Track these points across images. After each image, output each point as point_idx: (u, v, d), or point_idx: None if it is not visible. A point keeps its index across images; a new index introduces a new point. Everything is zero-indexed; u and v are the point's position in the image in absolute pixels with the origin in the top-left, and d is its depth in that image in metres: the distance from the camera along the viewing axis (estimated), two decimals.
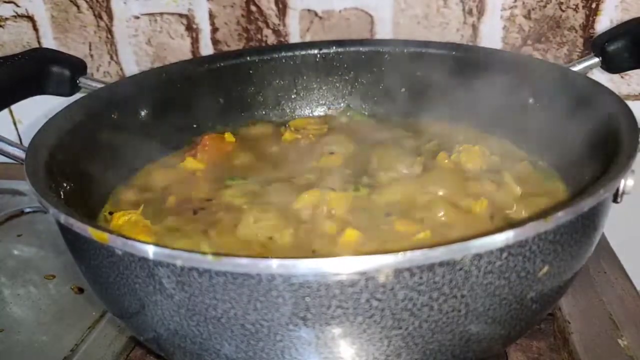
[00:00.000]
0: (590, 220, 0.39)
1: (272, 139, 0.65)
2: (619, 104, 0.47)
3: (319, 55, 0.68)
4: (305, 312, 0.34)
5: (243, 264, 0.32)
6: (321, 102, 0.70)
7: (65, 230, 0.41)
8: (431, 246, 0.32)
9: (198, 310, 0.35)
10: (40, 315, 0.59)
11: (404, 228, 0.47)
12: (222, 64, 0.66)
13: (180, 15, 0.78)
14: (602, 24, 0.71)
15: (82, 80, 0.64)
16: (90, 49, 0.82)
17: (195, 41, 0.80)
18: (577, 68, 0.59)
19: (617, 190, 0.41)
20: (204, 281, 0.34)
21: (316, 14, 0.76)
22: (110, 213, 0.52)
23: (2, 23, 0.82)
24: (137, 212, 0.51)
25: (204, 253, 0.33)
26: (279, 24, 0.77)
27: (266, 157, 0.62)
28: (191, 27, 0.79)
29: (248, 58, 0.67)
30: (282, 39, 0.78)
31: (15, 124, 0.89)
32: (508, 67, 0.60)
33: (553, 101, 0.55)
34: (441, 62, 0.64)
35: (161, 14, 0.79)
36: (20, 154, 0.50)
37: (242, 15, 0.77)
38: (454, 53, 0.64)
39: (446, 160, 0.56)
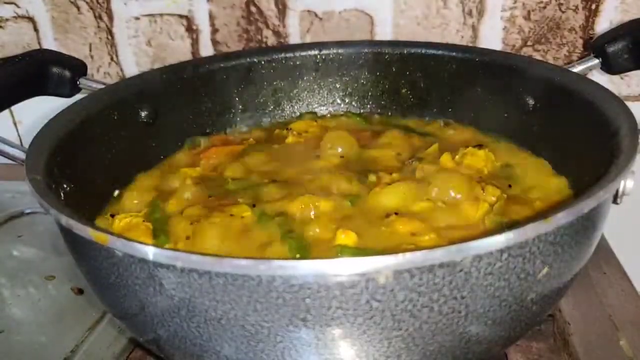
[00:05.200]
0: (590, 222, 0.39)
1: (274, 141, 0.65)
2: (619, 105, 0.47)
3: (319, 57, 0.68)
4: (306, 314, 0.34)
5: (243, 265, 0.32)
6: (321, 103, 0.70)
7: (65, 231, 0.41)
8: (431, 247, 0.32)
9: (198, 312, 0.35)
10: (40, 316, 0.59)
11: (405, 229, 0.47)
12: (221, 65, 0.66)
13: (180, 16, 0.78)
14: (602, 25, 0.71)
15: (82, 81, 0.64)
16: (90, 50, 0.82)
17: (195, 42, 0.80)
18: (577, 69, 0.59)
19: (617, 191, 0.41)
20: (204, 282, 0.34)
21: (316, 15, 0.76)
22: (112, 215, 0.52)
23: (3, 24, 0.82)
24: (140, 214, 0.51)
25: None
26: (279, 25, 0.77)
27: (269, 159, 0.61)
28: (191, 28, 0.79)
29: (248, 59, 0.67)
30: (282, 40, 0.78)
31: (15, 124, 0.89)
32: (508, 69, 0.60)
33: (553, 103, 0.55)
34: (441, 63, 0.64)
35: (161, 14, 0.79)
36: (21, 155, 0.50)
37: (242, 16, 0.77)
38: (454, 54, 0.64)
39: (450, 163, 0.55)
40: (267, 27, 0.77)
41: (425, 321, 0.35)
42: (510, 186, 0.53)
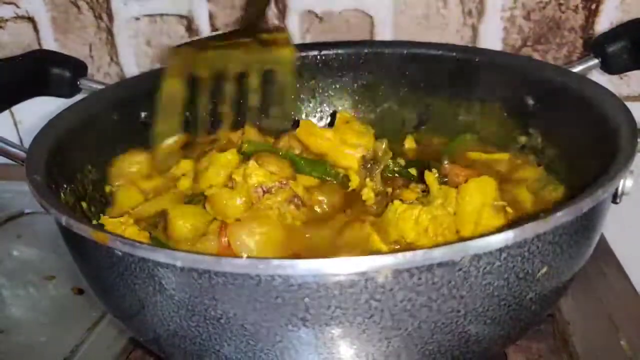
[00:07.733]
0: (589, 221, 0.40)
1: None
2: (619, 105, 0.47)
3: (318, 57, 0.68)
4: (305, 313, 0.34)
5: (242, 264, 0.32)
6: (321, 103, 0.70)
7: (65, 231, 0.41)
8: (430, 247, 0.32)
9: (198, 311, 0.35)
10: (40, 316, 0.59)
11: None
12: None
13: (180, 16, 0.78)
14: (602, 25, 0.71)
15: (82, 82, 0.64)
16: (90, 50, 0.82)
17: None
18: (576, 69, 0.59)
19: (616, 190, 0.41)
20: (204, 282, 0.34)
21: (316, 15, 0.76)
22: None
23: (3, 24, 0.82)
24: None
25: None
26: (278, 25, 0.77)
27: None
28: (191, 28, 0.79)
29: None
30: None
31: (16, 124, 0.89)
32: (508, 69, 0.60)
33: (553, 102, 0.55)
34: (441, 64, 0.64)
35: (161, 15, 0.79)
36: (21, 155, 0.50)
37: (242, 17, 0.77)
38: (454, 54, 0.64)
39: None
40: None
41: (425, 320, 0.35)
42: None
